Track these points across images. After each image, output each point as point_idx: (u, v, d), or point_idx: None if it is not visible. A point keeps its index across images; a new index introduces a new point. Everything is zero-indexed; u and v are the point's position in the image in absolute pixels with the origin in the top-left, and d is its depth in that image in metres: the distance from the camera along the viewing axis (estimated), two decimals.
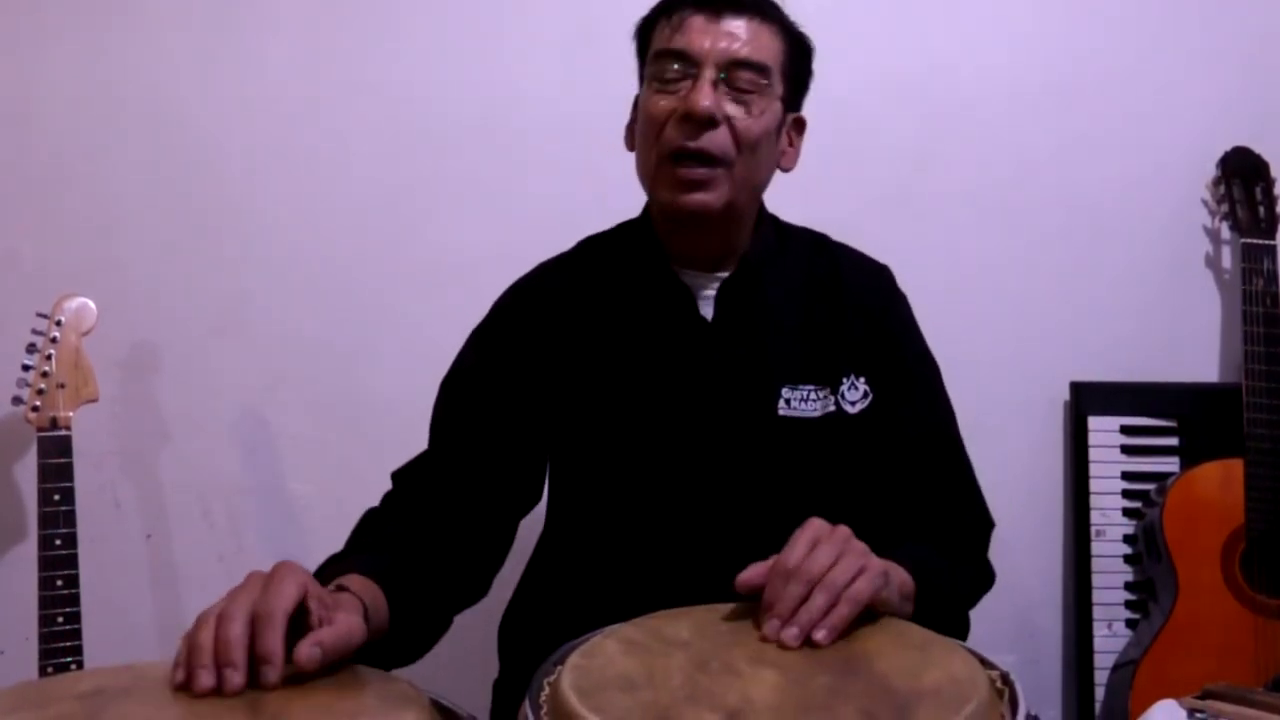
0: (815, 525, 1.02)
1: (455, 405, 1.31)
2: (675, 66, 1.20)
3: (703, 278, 1.28)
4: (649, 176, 1.24)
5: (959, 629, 1.24)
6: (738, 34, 1.19)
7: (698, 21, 1.19)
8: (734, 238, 1.27)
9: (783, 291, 1.30)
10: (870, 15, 1.94)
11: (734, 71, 1.19)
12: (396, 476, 1.31)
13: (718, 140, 1.19)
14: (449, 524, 1.22)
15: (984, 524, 1.33)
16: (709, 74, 1.18)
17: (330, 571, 1.08)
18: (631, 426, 1.26)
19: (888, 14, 1.95)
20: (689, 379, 1.26)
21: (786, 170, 1.30)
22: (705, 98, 1.17)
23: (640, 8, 1.27)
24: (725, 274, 1.27)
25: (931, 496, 1.28)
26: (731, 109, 1.19)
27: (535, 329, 1.30)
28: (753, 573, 0.99)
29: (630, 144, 1.30)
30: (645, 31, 1.27)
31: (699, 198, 1.20)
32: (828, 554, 0.98)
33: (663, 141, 1.20)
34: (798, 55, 1.26)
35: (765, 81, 1.20)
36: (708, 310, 1.28)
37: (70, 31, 1.83)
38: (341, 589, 1.01)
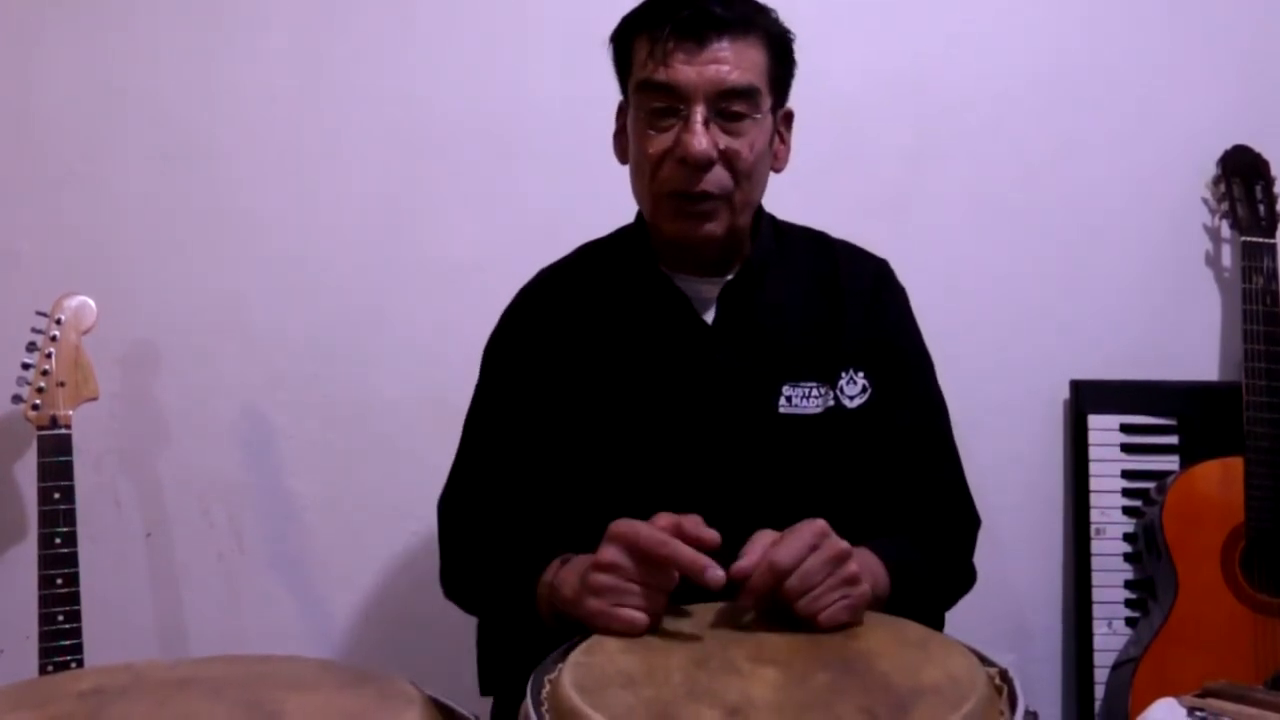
0: (817, 529, 1.02)
1: (489, 433, 1.33)
2: (662, 103, 1.18)
3: (703, 282, 1.28)
4: (648, 207, 1.25)
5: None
6: (723, 57, 1.16)
7: (680, 53, 1.16)
8: (734, 246, 1.28)
9: (783, 291, 1.30)
10: (869, 14, 1.94)
11: (724, 102, 1.17)
12: (447, 509, 1.35)
13: (715, 179, 1.18)
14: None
15: (970, 522, 1.33)
16: (699, 113, 1.15)
17: (524, 572, 1.16)
18: (634, 430, 1.26)
19: (886, 13, 1.94)
20: (690, 382, 1.26)
21: (779, 171, 1.29)
22: (699, 140, 1.15)
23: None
24: (726, 277, 1.28)
25: (919, 492, 1.28)
26: (725, 142, 1.17)
27: (542, 341, 1.31)
28: (747, 564, 1.00)
29: (620, 157, 1.29)
30: (622, 42, 1.24)
31: (703, 229, 1.21)
32: (819, 570, 0.99)
33: (659, 180, 1.20)
34: (781, 57, 1.23)
35: (755, 104, 1.18)
36: (708, 314, 1.28)
37: (70, 31, 1.83)
38: (568, 558, 1.13)
